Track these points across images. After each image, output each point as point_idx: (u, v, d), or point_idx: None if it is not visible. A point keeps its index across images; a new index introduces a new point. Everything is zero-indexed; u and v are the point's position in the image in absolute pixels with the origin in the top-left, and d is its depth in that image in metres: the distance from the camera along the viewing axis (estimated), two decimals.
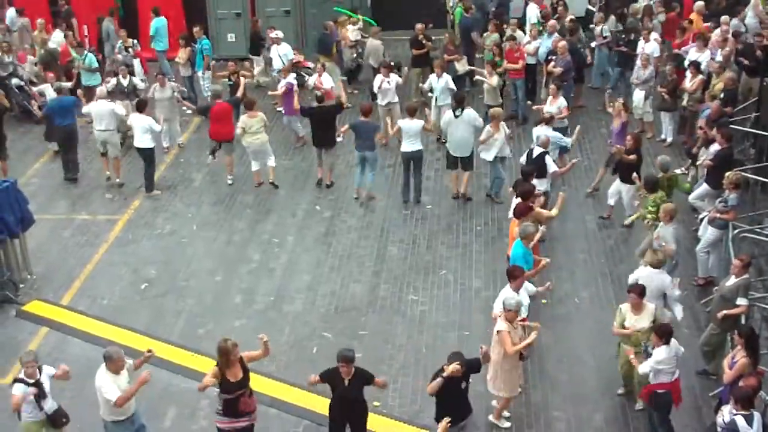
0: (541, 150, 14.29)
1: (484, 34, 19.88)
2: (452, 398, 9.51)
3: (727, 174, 12.89)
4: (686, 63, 17.39)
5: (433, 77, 17.61)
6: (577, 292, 13.24)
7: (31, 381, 9.51)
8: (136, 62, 19.75)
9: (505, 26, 20.03)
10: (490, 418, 10.69)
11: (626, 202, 14.52)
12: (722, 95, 15.65)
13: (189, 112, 19.27)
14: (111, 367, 9.35)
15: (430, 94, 18.01)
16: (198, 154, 18.20)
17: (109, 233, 15.35)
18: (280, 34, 19.89)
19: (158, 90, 17.58)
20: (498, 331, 10.10)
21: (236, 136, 16.54)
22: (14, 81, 19.23)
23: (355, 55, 20.93)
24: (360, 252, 14.52)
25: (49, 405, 9.66)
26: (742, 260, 10.90)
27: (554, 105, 16.04)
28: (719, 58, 17.27)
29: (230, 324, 12.66)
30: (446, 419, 8.71)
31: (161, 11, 21.37)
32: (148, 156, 16.32)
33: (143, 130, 16.06)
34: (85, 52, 19.63)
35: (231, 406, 9.47)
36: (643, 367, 9.84)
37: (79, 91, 18.74)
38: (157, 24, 21.16)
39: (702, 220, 13.41)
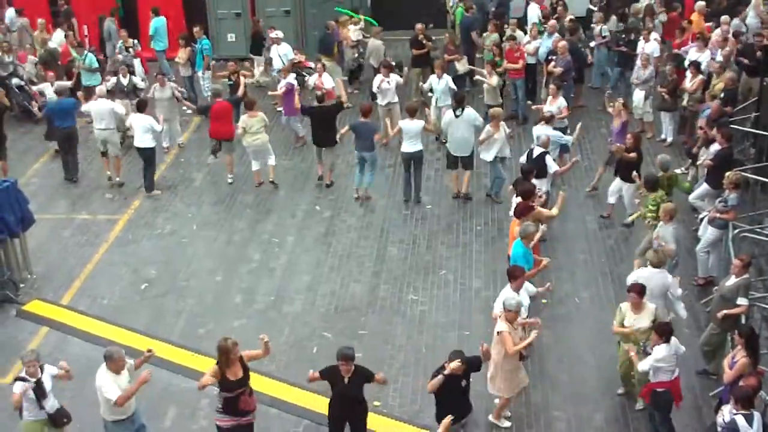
0: (542, 150, 14.30)
1: (484, 34, 19.88)
2: (452, 396, 9.51)
3: (727, 174, 12.89)
4: (686, 63, 17.40)
5: (433, 78, 17.61)
6: (577, 292, 13.24)
7: (33, 380, 9.51)
8: (137, 62, 19.75)
9: (505, 26, 20.03)
10: (490, 418, 10.69)
11: (627, 201, 14.53)
12: (722, 95, 15.65)
13: (189, 111, 19.28)
14: (112, 366, 9.35)
15: (430, 94, 18.02)
16: (198, 154, 18.20)
17: (110, 233, 15.35)
18: (280, 34, 19.89)
19: (158, 90, 17.59)
20: (498, 332, 10.10)
21: (236, 135, 16.56)
22: (14, 81, 19.23)
23: (356, 55, 20.95)
24: (360, 252, 14.53)
25: (51, 404, 9.66)
26: (742, 260, 10.91)
27: (554, 105, 16.03)
28: (719, 58, 17.27)
29: (230, 324, 12.66)
30: (449, 417, 8.71)
31: (161, 11, 21.37)
32: (148, 156, 16.32)
33: (144, 129, 16.06)
34: (86, 52, 19.63)
35: (231, 405, 9.47)
36: (643, 365, 9.85)
37: (79, 93, 18.75)
38: (157, 24, 21.16)
39: (702, 219, 13.42)
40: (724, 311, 10.75)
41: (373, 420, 10.43)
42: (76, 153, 17.22)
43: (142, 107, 16.31)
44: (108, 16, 21.87)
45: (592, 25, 20.30)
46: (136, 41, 20.48)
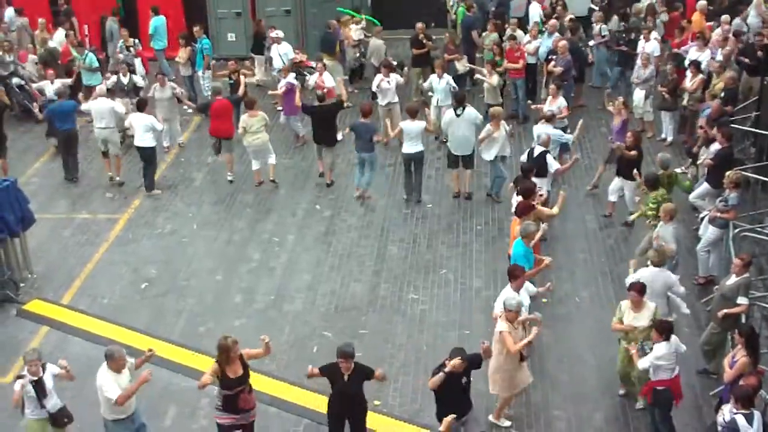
0: (542, 149, 14.30)
1: (483, 34, 19.89)
2: (453, 394, 9.51)
3: (727, 173, 12.89)
4: (686, 62, 17.39)
5: (434, 77, 17.62)
6: (577, 292, 13.24)
7: (34, 379, 9.52)
8: (137, 61, 19.74)
9: (506, 26, 20.03)
10: (490, 418, 10.68)
11: (628, 199, 14.54)
12: (723, 94, 15.65)
13: (190, 111, 19.28)
14: (112, 365, 9.35)
15: (430, 94, 18.03)
16: (198, 154, 18.21)
17: (110, 232, 15.35)
18: (280, 33, 19.89)
19: (158, 90, 17.59)
20: (499, 332, 10.10)
21: (237, 135, 16.57)
22: (15, 80, 19.23)
23: (358, 54, 20.96)
24: (360, 251, 14.52)
25: (52, 404, 9.67)
26: (742, 259, 10.91)
27: (554, 105, 16.03)
28: (719, 57, 17.27)
29: (230, 323, 12.66)
30: (451, 416, 8.71)
31: (161, 10, 21.37)
32: (149, 155, 16.31)
33: (145, 128, 16.06)
34: (86, 51, 19.62)
35: (231, 402, 9.49)
36: (643, 363, 9.85)
37: (80, 95, 18.74)
38: (156, 23, 21.16)
39: (702, 219, 13.42)
40: (725, 310, 10.75)
41: (373, 419, 10.44)
42: (77, 153, 17.22)
43: (142, 106, 16.31)
44: (110, 15, 21.88)
45: (593, 25, 20.30)
46: (137, 41, 20.49)
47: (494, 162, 15.47)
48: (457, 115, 15.45)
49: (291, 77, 17.80)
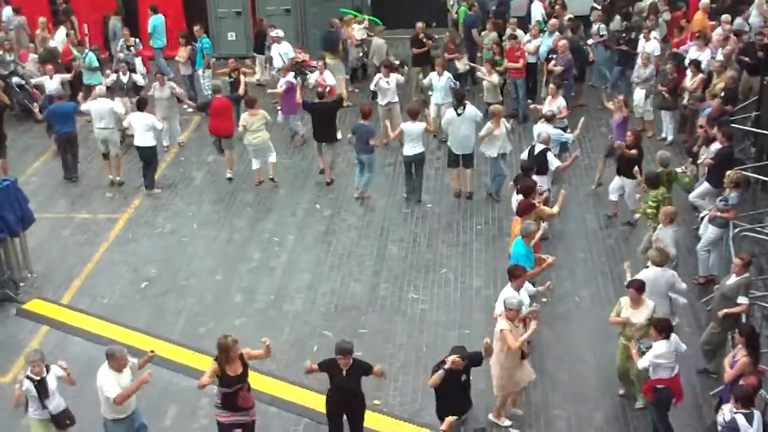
0: (543, 147, 14.31)
1: (482, 33, 19.89)
2: (453, 392, 9.52)
3: (727, 173, 12.89)
4: (686, 62, 17.39)
5: (434, 75, 17.65)
6: (577, 291, 13.24)
7: (37, 379, 9.52)
8: (138, 60, 19.73)
9: (506, 25, 20.03)
10: (490, 416, 10.68)
11: (627, 197, 14.55)
12: (723, 94, 15.64)
13: (190, 110, 19.27)
14: (113, 365, 9.36)
15: (430, 93, 18.02)
16: (198, 153, 18.21)
17: (110, 232, 15.35)
18: (280, 32, 19.88)
19: (157, 89, 17.59)
20: (500, 330, 10.10)
21: (237, 134, 16.57)
22: (15, 80, 19.22)
23: (361, 54, 20.96)
24: (360, 251, 14.52)
25: (55, 405, 9.67)
26: (742, 259, 10.90)
27: (554, 104, 16.01)
28: (720, 57, 17.26)
29: (231, 323, 12.65)
30: (452, 417, 8.72)
31: (160, 9, 21.36)
32: (149, 154, 16.29)
33: (145, 128, 16.06)
34: (86, 50, 19.61)
35: (229, 400, 9.50)
36: (643, 362, 9.85)
37: (80, 96, 18.74)
38: (155, 22, 21.16)
39: (702, 218, 13.42)
40: (725, 310, 10.75)
41: (373, 418, 10.45)
42: (77, 153, 17.21)
43: (142, 106, 16.30)
44: (112, 15, 21.88)
45: (593, 24, 20.29)
46: (137, 40, 20.48)
47: (495, 159, 15.48)
48: (458, 114, 15.45)
49: (290, 76, 17.80)
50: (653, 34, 18.73)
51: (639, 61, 17.96)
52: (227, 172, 16.91)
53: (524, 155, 14.64)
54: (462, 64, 19.46)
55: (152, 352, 9.86)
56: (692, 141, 15.62)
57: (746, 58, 17.23)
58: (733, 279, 10.89)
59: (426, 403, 10.69)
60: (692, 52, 17.83)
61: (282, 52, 19.44)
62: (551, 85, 16.51)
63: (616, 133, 15.49)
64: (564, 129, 15.75)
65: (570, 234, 14.74)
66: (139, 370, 9.68)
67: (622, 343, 10.60)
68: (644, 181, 13.22)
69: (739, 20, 19.01)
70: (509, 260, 11.63)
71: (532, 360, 11.48)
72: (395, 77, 17.76)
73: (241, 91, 17.59)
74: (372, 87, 18.03)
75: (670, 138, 17.56)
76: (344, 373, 9.56)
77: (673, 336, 9.83)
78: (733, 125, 14.69)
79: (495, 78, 17.76)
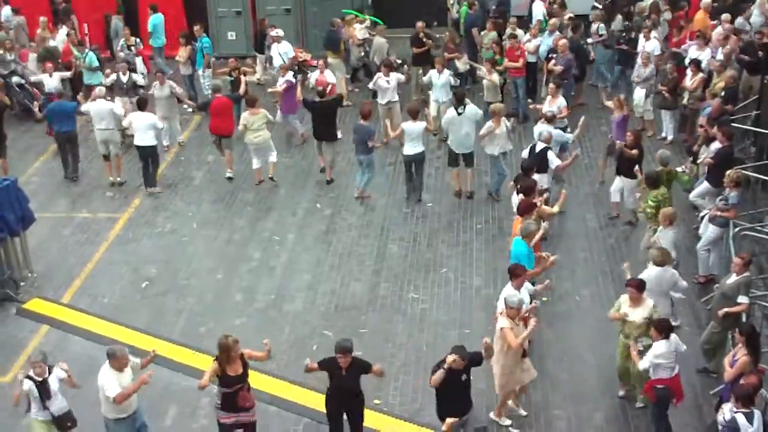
0: (544, 145, 14.32)
1: (482, 33, 19.89)
2: (453, 391, 9.52)
3: (727, 172, 12.89)
4: (687, 61, 17.38)
5: (433, 73, 17.68)
6: (577, 291, 13.24)
7: (39, 380, 9.53)
8: (138, 60, 19.73)
9: (506, 24, 20.03)
10: (491, 415, 10.69)
11: (626, 197, 14.55)
12: (723, 93, 15.64)
13: (190, 110, 19.27)
14: (114, 364, 9.36)
15: (430, 92, 18.03)
16: (198, 153, 18.21)
17: (110, 231, 15.35)
18: (280, 32, 19.89)
19: (157, 88, 17.59)
20: (500, 328, 10.10)
21: (237, 133, 16.58)
22: (15, 79, 19.22)
23: (362, 53, 20.96)
24: (360, 250, 14.52)
25: (57, 407, 9.67)
26: (742, 258, 10.90)
27: (554, 104, 16.01)
28: (720, 56, 17.26)
29: (231, 322, 12.65)
30: (453, 419, 8.72)
31: (160, 8, 21.35)
32: (150, 154, 16.28)
33: (146, 127, 16.05)
34: (86, 50, 19.61)
35: (230, 400, 9.51)
36: (643, 363, 9.85)
37: (80, 96, 18.74)
38: (155, 21, 21.15)
39: (703, 218, 13.42)
40: (725, 309, 10.74)
41: (373, 418, 10.46)
42: (77, 153, 17.21)
43: (142, 105, 16.29)
44: (114, 14, 21.86)
45: (592, 23, 20.28)
46: (138, 39, 20.47)
47: (496, 158, 15.48)
48: (459, 114, 15.45)
49: (289, 75, 17.80)
50: (653, 33, 18.72)
51: (639, 60, 17.95)
52: (227, 171, 16.92)
53: (525, 153, 14.65)
54: (462, 64, 19.46)
55: (154, 351, 9.88)
56: (692, 140, 15.61)
57: (746, 57, 17.23)
58: (733, 278, 10.89)
59: (426, 402, 10.69)
60: (692, 51, 17.83)
61: (282, 51, 19.44)
62: (551, 85, 16.50)
63: (616, 131, 15.50)
64: (564, 129, 15.75)
65: (570, 233, 14.74)
66: (142, 369, 9.69)
67: (622, 341, 10.61)
68: (644, 181, 13.22)
69: (740, 19, 19.01)
70: (509, 260, 11.63)
71: (533, 359, 11.47)
72: (395, 76, 17.76)
73: (241, 91, 17.59)
74: (370, 86, 18.03)
75: (670, 137, 17.56)
76: (344, 371, 9.57)
77: (673, 336, 9.84)
78: (733, 124, 14.68)
79: (495, 77, 17.76)
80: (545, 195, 13.54)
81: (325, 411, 10.02)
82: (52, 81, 18.52)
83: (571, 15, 20.19)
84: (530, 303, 10.60)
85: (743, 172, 13.40)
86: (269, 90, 19.07)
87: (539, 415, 10.82)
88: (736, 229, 12.46)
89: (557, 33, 18.99)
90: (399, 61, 19.19)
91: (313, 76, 18.13)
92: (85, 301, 13.43)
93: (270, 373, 11.50)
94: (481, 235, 14.78)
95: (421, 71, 19.26)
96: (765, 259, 13.38)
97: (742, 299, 10.73)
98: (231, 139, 16.78)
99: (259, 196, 16.37)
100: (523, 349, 10.29)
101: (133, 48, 19.85)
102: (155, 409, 10.83)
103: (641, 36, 18.70)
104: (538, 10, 20.80)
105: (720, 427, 9.06)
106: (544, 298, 12.60)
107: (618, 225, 14.85)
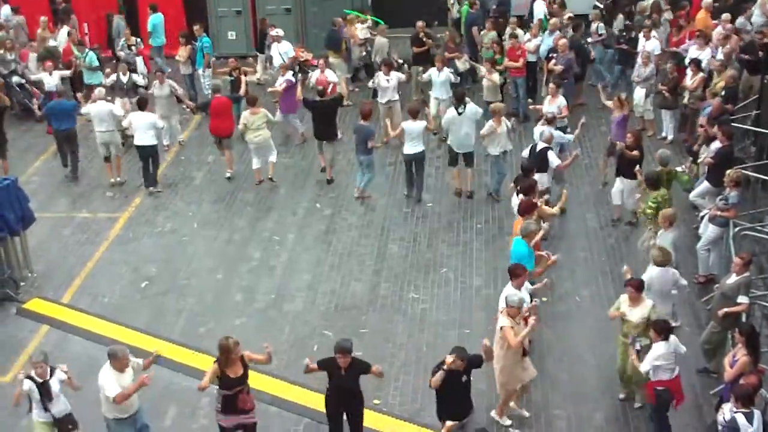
0: (545, 145, 14.32)
1: (482, 32, 19.89)
2: (454, 393, 9.52)
3: (727, 172, 12.88)
4: (687, 61, 17.38)
5: (433, 71, 17.70)
6: (577, 291, 13.24)
7: (40, 381, 9.52)
8: (139, 60, 19.73)
9: (507, 24, 20.02)
10: (492, 413, 10.69)
11: (626, 199, 14.54)
12: (723, 93, 15.64)
13: (188, 111, 19.25)
14: (116, 365, 9.37)
15: (430, 92, 18.03)
16: (198, 152, 18.21)
17: (110, 231, 15.35)
18: (280, 32, 19.89)
19: (157, 87, 17.59)
20: (500, 327, 10.10)
21: (237, 132, 16.58)
22: (15, 79, 19.23)
23: (364, 53, 20.97)
24: (360, 250, 14.52)
25: (58, 409, 9.68)
26: (743, 258, 10.90)
27: (553, 104, 16.01)
28: (720, 55, 17.25)
29: (231, 322, 12.66)
30: (451, 423, 8.73)
31: (160, 8, 21.36)
32: (150, 153, 16.27)
33: (147, 126, 16.04)
34: (86, 50, 19.60)
35: (230, 403, 9.50)
36: (644, 366, 9.84)
37: (79, 95, 18.74)
38: (155, 20, 21.15)
39: (703, 217, 13.42)
40: (725, 309, 10.74)
41: (373, 418, 10.46)
42: (77, 151, 17.20)
43: (143, 105, 16.28)
44: (116, 13, 21.85)
45: (591, 23, 20.28)
46: (139, 39, 20.47)
47: (497, 158, 15.47)
48: (459, 113, 15.45)
49: (289, 74, 17.80)
50: (653, 33, 18.71)
51: (639, 60, 17.95)
52: (227, 171, 16.92)
53: (525, 152, 14.66)
54: (462, 63, 19.46)
55: (156, 352, 9.90)
56: (692, 140, 15.61)
57: (746, 56, 17.22)
58: (733, 278, 10.89)
59: (426, 403, 10.69)
60: (692, 51, 17.83)
61: (282, 51, 19.45)
62: (551, 85, 16.50)
63: (616, 131, 15.48)
64: (564, 128, 15.75)
65: (570, 233, 14.73)
66: (144, 370, 9.68)
67: (622, 342, 10.61)
68: (644, 182, 13.20)
69: (741, 19, 19.00)
70: (510, 260, 11.62)
71: (533, 359, 11.47)
72: (396, 75, 17.77)
73: (242, 91, 17.60)
74: (370, 84, 18.03)
75: (670, 137, 17.56)
76: (343, 372, 9.57)
77: (672, 337, 9.83)
78: (733, 124, 14.67)
79: (496, 77, 17.75)
80: (546, 196, 13.53)
81: (325, 411, 10.02)
82: (52, 80, 18.55)
83: (571, 15, 20.19)
84: (530, 302, 10.62)
85: (743, 171, 13.40)
86: (269, 90, 19.08)
87: (539, 415, 10.82)
88: (736, 229, 12.45)
89: (558, 32, 18.98)
90: (400, 61, 19.18)
91: (314, 76, 18.14)
92: (85, 301, 13.43)
93: (270, 373, 11.47)
94: (481, 235, 14.78)
95: (421, 69, 19.28)
96: (765, 259, 13.38)
97: (742, 299, 10.73)
98: (230, 139, 16.78)
99: (259, 196, 16.37)
100: (523, 348, 10.30)
101: (133, 48, 19.85)
102: (155, 409, 10.83)
103: (641, 35, 18.70)
104: (540, 10, 20.79)
105: (720, 427, 9.06)
106: (544, 298, 12.60)
107: (618, 225, 14.84)
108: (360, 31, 20.86)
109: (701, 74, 16.73)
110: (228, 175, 16.88)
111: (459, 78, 18.64)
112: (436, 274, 13.78)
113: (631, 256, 13.48)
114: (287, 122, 18.21)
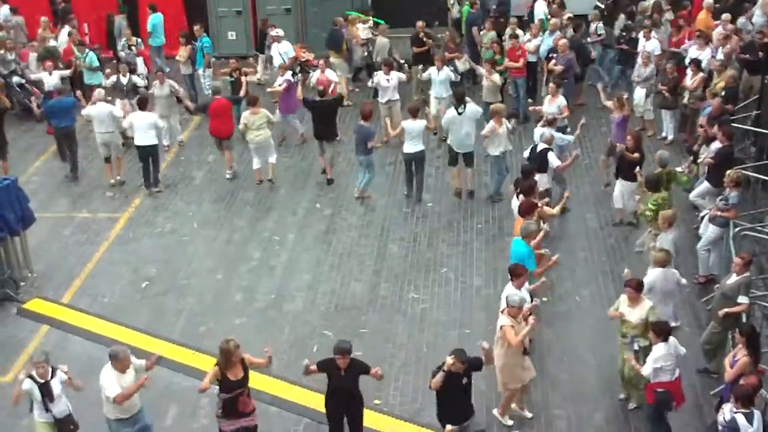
0: (545, 146, 14.32)
1: (481, 32, 19.89)
2: (454, 394, 9.52)
3: (728, 172, 12.88)
4: (687, 61, 17.38)
5: (433, 70, 17.71)
6: (577, 291, 13.24)
7: (41, 381, 9.52)
8: (139, 60, 19.72)
9: (507, 24, 20.02)
10: (495, 411, 10.69)
11: (626, 200, 14.55)
12: (723, 93, 15.63)
13: (187, 112, 19.23)
14: (117, 365, 9.37)
15: (430, 92, 18.03)
16: (198, 152, 18.21)
17: (110, 231, 15.35)
18: (280, 32, 19.89)
19: (157, 87, 17.59)
20: (501, 326, 10.11)
21: (236, 132, 16.57)
22: (15, 79, 19.22)
23: (366, 53, 20.97)
24: (360, 250, 14.52)
25: (59, 409, 9.67)
26: (743, 258, 10.90)
27: (553, 104, 16.01)
28: (720, 56, 17.25)
29: (231, 322, 12.66)
30: (451, 427, 8.74)
31: (160, 8, 21.35)
32: (151, 153, 16.26)
33: (147, 126, 16.04)
34: (87, 50, 19.60)
35: (230, 406, 9.50)
36: (645, 369, 9.82)
37: (78, 93, 18.73)
38: (154, 20, 21.14)
39: (703, 218, 13.42)
40: (725, 309, 10.74)
41: (373, 418, 10.46)
42: (76, 151, 17.20)
43: (143, 105, 16.28)
44: (116, 13, 21.86)
45: (591, 23, 20.28)
46: (139, 39, 20.47)
47: (497, 158, 15.47)
48: (459, 113, 15.44)
49: (288, 75, 17.79)
50: (653, 33, 18.71)
51: (639, 60, 17.94)
52: (227, 171, 16.92)
53: (526, 153, 14.66)
54: (462, 63, 19.46)
55: (157, 354, 9.92)
56: (692, 140, 15.61)
57: (746, 56, 17.22)
58: (733, 278, 10.89)
59: (426, 403, 10.69)
60: (692, 51, 17.82)
61: (282, 51, 19.44)
62: (551, 85, 16.49)
63: (616, 132, 15.46)
64: (563, 129, 15.75)
65: (570, 233, 14.73)
66: (147, 371, 9.68)
67: (622, 342, 10.60)
68: (644, 184, 13.20)
69: (742, 19, 18.99)
70: (510, 260, 11.62)
71: (533, 359, 11.47)
72: (396, 75, 17.77)
73: (242, 92, 17.60)
74: (370, 84, 18.03)
75: (670, 137, 17.56)
76: (342, 372, 9.57)
77: (672, 339, 9.81)
78: (733, 124, 14.67)
79: (496, 77, 17.75)
80: (546, 199, 13.52)
81: (325, 411, 10.02)
82: (51, 79, 18.54)
83: (570, 15, 20.18)
84: (531, 302, 10.63)
85: (743, 172, 13.39)
86: (268, 90, 19.08)
87: (539, 415, 10.82)
88: (737, 229, 12.45)
89: (558, 33, 18.97)
90: (401, 61, 19.16)
91: (314, 76, 18.13)
92: (85, 301, 13.43)
93: (270, 373, 11.48)
94: (481, 235, 14.78)
95: (421, 68, 19.28)
96: (765, 259, 13.38)
97: (742, 299, 10.72)
98: (230, 140, 16.78)
99: (259, 196, 16.37)
100: (524, 348, 10.30)
101: (133, 48, 19.84)
102: (156, 409, 10.82)
103: (641, 36, 18.69)
104: (540, 10, 20.79)
105: (720, 428, 9.05)
106: (544, 298, 12.60)
107: (620, 227, 14.83)
108: (362, 31, 20.87)
109: (701, 74, 16.73)
110: (228, 175, 16.88)
111: (459, 77, 18.63)
112: (436, 274, 13.78)
113: (631, 256, 13.50)
114: (286, 122, 18.21)
